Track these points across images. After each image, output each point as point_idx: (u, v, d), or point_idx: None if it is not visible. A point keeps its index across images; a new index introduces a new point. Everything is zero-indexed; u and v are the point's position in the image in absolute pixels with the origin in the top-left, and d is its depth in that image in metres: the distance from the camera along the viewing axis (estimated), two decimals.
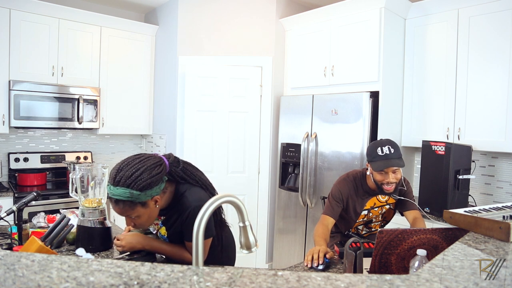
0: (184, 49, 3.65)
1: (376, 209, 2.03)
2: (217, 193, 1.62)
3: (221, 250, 1.68)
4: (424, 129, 2.95)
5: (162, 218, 1.57)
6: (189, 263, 1.52)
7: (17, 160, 3.47)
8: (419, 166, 2.87)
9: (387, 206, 2.05)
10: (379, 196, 2.00)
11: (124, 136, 4.27)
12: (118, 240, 1.58)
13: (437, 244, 1.35)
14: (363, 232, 2.13)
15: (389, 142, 1.88)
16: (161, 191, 1.43)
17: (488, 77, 2.59)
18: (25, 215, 2.29)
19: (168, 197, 1.51)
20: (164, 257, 1.71)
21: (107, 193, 1.41)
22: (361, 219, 2.04)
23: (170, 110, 3.80)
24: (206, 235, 1.47)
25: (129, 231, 1.70)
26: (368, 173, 1.95)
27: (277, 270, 0.76)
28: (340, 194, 1.97)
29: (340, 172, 2.90)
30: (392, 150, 1.83)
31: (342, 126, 2.95)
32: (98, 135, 4.04)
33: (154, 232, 1.67)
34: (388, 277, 0.76)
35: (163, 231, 1.59)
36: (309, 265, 1.61)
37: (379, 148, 1.84)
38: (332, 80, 3.15)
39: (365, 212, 2.02)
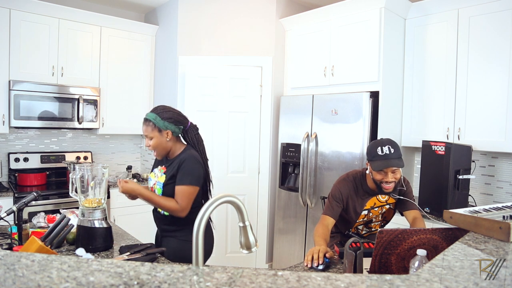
0: (184, 49, 3.65)
1: (376, 209, 2.03)
2: (210, 174, 2.02)
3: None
4: (424, 129, 2.95)
5: (166, 168, 1.91)
6: (172, 210, 1.82)
7: (17, 160, 3.47)
8: (419, 166, 2.87)
9: (387, 206, 2.05)
10: (379, 196, 2.00)
11: (124, 136, 4.27)
12: (120, 183, 1.84)
13: (437, 244, 1.35)
14: (363, 232, 2.13)
15: (389, 142, 1.87)
16: (174, 133, 1.90)
17: (488, 77, 2.59)
18: (25, 215, 2.29)
19: (176, 147, 1.94)
20: (160, 255, 1.71)
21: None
22: (361, 219, 2.04)
23: None
24: (192, 182, 1.84)
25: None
26: (367, 172, 1.95)
27: (277, 270, 0.76)
28: (340, 194, 1.97)
29: (340, 172, 2.90)
30: (392, 150, 1.83)
31: (342, 126, 2.95)
32: (98, 135, 4.04)
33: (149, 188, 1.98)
34: (388, 277, 0.76)
35: (162, 179, 1.90)
36: (309, 265, 1.61)
37: (379, 148, 1.84)
38: (332, 80, 3.15)
39: (365, 212, 2.02)
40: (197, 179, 1.86)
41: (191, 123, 1.99)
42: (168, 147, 1.92)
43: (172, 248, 1.86)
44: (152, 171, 2.05)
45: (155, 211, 2.01)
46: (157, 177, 1.94)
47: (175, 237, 1.91)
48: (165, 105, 1.96)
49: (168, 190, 1.87)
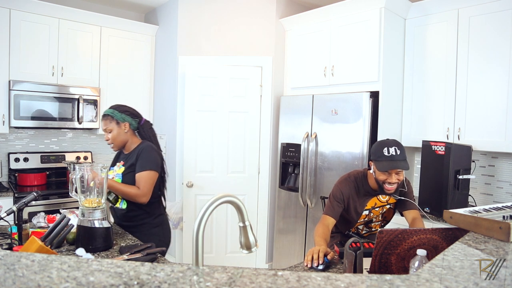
0: (184, 49, 3.65)
1: (377, 209, 2.03)
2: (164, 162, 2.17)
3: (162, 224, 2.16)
4: (424, 129, 2.95)
5: (124, 162, 2.09)
6: (134, 195, 1.97)
7: (17, 160, 3.47)
8: (419, 166, 2.87)
9: (388, 206, 2.05)
10: (380, 196, 2.00)
11: None
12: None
13: (437, 244, 1.35)
14: (363, 232, 2.13)
15: (396, 143, 1.85)
16: (131, 126, 2.10)
17: (488, 77, 2.59)
18: (25, 215, 2.29)
19: (132, 141, 2.13)
20: (162, 256, 1.71)
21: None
22: (362, 219, 2.04)
23: (170, 110, 3.80)
24: (152, 167, 2.02)
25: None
26: (371, 171, 1.93)
27: (277, 270, 0.76)
28: (341, 194, 1.97)
29: (340, 172, 2.90)
30: (398, 152, 1.81)
31: (342, 126, 2.95)
32: (98, 135, 4.04)
33: (111, 199, 2.09)
34: (388, 277, 0.76)
35: (121, 170, 2.07)
36: (309, 265, 1.61)
37: (386, 148, 1.82)
38: (332, 80, 3.15)
39: (366, 212, 2.02)
40: (156, 165, 2.04)
41: (145, 119, 2.20)
42: (125, 139, 2.11)
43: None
44: (110, 169, 2.17)
45: (112, 208, 2.15)
46: (115, 171, 2.10)
47: (140, 232, 2.05)
48: (120, 103, 2.20)
49: (128, 179, 2.02)
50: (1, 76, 3.15)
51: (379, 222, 2.12)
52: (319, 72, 3.25)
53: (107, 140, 2.10)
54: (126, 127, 2.08)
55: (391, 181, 1.83)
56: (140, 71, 3.98)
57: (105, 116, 2.09)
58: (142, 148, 2.05)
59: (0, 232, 1.92)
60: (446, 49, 2.80)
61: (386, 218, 2.13)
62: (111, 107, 2.12)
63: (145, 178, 1.98)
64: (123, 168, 2.06)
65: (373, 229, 2.13)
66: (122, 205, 2.08)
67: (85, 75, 3.60)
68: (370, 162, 1.94)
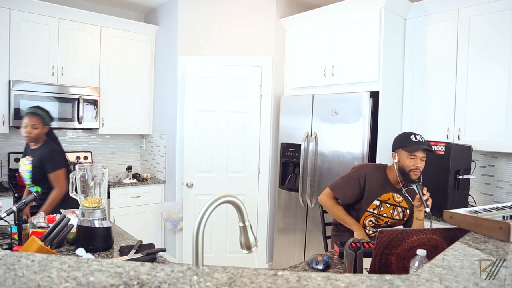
0: (184, 49, 3.65)
1: (388, 205, 2.06)
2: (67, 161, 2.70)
3: None
4: (424, 129, 2.95)
5: (31, 158, 2.49)
6: (60, 197, 2.47)
7: (17, 160, 3.46)
8: None
9: (399, 209, 2.08)
10: (395, 194, 2.07)
11: (124, 136, 4.27)
12: None
13: (437, 244, 1.35)
14: (370, 232, 2.14)
15: (419, 134, 2.04)
16: (45, 128, 2.54)
17: (488, 77, 2.59)
18: (25, 215, 2.30)
19: (42, 139, 2.55)
20: (161, 255, 1.71)
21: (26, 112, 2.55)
22: (371, 209, 2.07)
23: (170, 110, 3.80)
24: (58, 167, 2.48)
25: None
26: (395, 160, 2.02)
27: (277, 270, 0.76)
28: (357, 177, 2.08)
29: (340, 172, 2.90)
30: (423, 140, 2.00)
31: (342, 126, 2.95)
32: (98, 135, 4.04)
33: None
34: (388, 277, 0.76)
35: (29, 167, 2.49)
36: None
37: (413, 136, 1.99)
38: (332, 80, 3.15)
39: (377, 203, 2.06)
40: (60, 162, 2.51)
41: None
42: (43, 136, 2.54)
43: None
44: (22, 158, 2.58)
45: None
46: (25, 166, 2.50)
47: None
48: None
49: (36, 174, 2.47)
50: (1, 76, 3.15)
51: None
52: (319, 72, 3.25)
53: (29, 133, 2.45)
54: (45, 129, 2.54)
55: (418, 165, 1.95)
56: (140, 71, 3.99)
57: (35, 114, 2.47)
58: (48, 152, 2.48)
59: (0, 232, 1.92)
60: (446, 49, 2.80)
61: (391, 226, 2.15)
62: (42, 110, 2.56)
63: (60, 176, 2.46)
64: (30, 166, 2.47)
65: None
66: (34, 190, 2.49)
67: (85, 75, 3.60)
68: (393, 153, 2.04)
